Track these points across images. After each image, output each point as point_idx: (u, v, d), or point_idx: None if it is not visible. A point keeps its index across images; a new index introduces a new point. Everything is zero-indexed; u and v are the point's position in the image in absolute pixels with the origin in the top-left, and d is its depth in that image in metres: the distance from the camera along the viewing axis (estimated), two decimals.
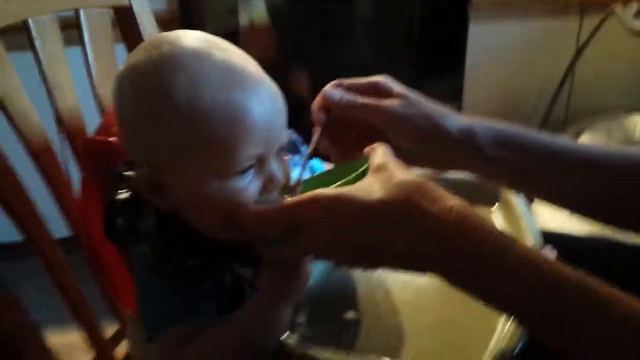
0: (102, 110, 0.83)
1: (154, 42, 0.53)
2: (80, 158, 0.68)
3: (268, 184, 0.55)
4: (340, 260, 0.51)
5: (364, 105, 0.63)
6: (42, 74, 0.75)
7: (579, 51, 1.95)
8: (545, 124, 2.02)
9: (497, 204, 0.84)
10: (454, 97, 2.06)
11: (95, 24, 0.83)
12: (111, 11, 0.87)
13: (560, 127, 2.06)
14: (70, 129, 0.76)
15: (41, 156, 0.71)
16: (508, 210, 0.81)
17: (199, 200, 0.54)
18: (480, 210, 0.84)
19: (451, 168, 0.68)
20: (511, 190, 0.79)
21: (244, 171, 0.53)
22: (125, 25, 0.89)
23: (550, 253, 0.76)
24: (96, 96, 0.82)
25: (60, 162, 0.73)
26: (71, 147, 0.76)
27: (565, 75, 1.97)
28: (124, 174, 0.60)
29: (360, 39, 2.03)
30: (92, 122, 0.81)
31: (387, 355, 0.60)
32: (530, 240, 0.72)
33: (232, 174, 0.52)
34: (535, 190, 0.67)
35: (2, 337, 0.62)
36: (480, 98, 2.07)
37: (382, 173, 0.51)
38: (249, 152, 0.52)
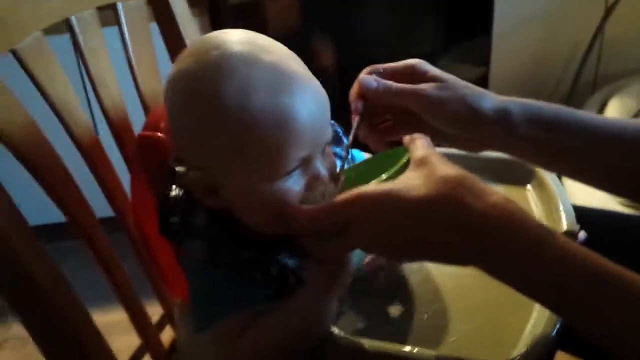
0: (143, 102, 0.85)
1: (202, 46, 0.55)
2: (133, 154, 0.71)
3: (313, 181, 0.58)
4: (387, 254, 0.54)
5: (399, 91, 0.64)
6: (87, 71, 0.77)
7: (608, 11, 1.91)
8: (574, 88, 2.00)
9: (531, 182, 0.86)
10: (481, 63, 2.04)
11: (133, 16, 0.85)
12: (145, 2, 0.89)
13: (590, 90, 2.04)
14: (116, 125, 0.79)
15: (88, 150, 0.74)
16: (542, 189, 0.82)
17: (248, 200, 0.57)
18: (514, 189, 0.86)
19: (486, 148, 0.69)
20: (544, 169, 0.80)
21: (291, 172, 0.55)
22: (163, 15, 0.91)
23: (582, 235, 0.78)
24: (138, 89, 0.85)
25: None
26: (117, 142, 0.79)
27: (595, 37, 1.94)
28: (175, 170, 0.63)
29: (386, 6, 2.01)
30: (133, 114, 0.84)
31: (431, 339, 0.63)
32: (563, 219, 0.74)
33: (280, 175, 0.55)
34: (567, 168, 0.68)
35: (59, 320, 0.66)
36: (508, 64, 2.05)
37: (424, 167, 0.52)
38: (296, 154, 0.55)
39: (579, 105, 1.98)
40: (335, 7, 1.95)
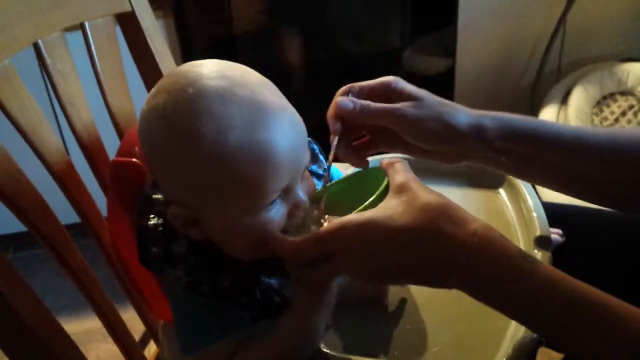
0: (115, 122, 0.84)
1: (175, 82, 0.55)
2: (108, 179, 0.70)
3: (294, 209, 0.59)
4: (371, 279, 0.55)
5: (377, 111, 0.65)
6: (56, 94, 0.76)
7: (570, 1, 1.94)
8: (539, 76, 2.04)
9: (502, 186, 0.88)
10: (448, 54, 2.06)
11: (101, 34, 0.84)
12: (114, 19, 0.88)
13: (554, 78, 2.08)
14: (89, 147, 0.78)
15: (64, 177, 0.74)
16: (513, 192, 0.85)
17: (230, 232, 0.57)
18: (486, 193, 0.88)
19: (462, 161, 0.71)
20: (527, 182, 0.82)
21: (272, 203, 0.56)
22: (130, 30, 0.90)
23: (558, 238, 0.80)
24: (109, 108, 0.84)
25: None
26: (90, 165, 0.79)
27: (557, 27, 1.97)
28: (153, 197, 0.63)
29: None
30: (106, 134, 0.83)
31: (415, 349, 0.64)
32: (537, 224, 0.76)
33: (260, 208, 0.56)
34: (542, 180, 0.69)
35: (30, 334, 0.64)
36: (474, 54, 2.08)
37: (405, 194, 0.53)
38: (277, 186, 0.55)
39: (544, 93, 2.02)
40: (302, 1, 1.95)
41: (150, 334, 0.93)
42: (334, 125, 0.66)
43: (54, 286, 1.50)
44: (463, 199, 0.87)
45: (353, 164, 0.70)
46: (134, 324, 0.92)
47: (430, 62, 2.08)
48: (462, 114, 0.65)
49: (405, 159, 0.64)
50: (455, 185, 0.90)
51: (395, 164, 0.59)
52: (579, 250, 0.81)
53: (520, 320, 0.52)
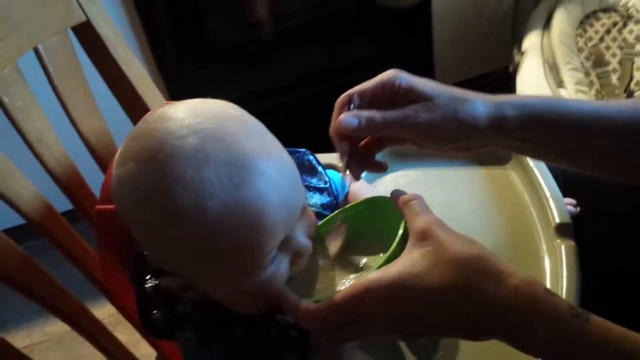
0: (91, 148, 0.78)
1: (142, 147, 0.48)
2: (96, 232, 0.64)
3: (296, 257, 0.54)
4: (402, 339, 0.51)
5: (385, 122, 0.58)
6: (21, 133, 0.69)
7: None
8: (517, 1, 1.95)
9: (510, 162, 0.83)
10: None
11: (58, 56, 0.76)
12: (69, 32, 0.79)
13: (533, 3, 1.99)
14: (67, 184, 0.72)
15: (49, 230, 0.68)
16: (523, 169, 0.80)
17: (231, 296, 0.53)
18: (494, 171, 0.83)
19: (479, 152, 0.65)
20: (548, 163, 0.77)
21: (270, 261, 0.51)
22: (88, 42, 0.82)
23: (571, 207, 0.76)
24: (82, 136, 0.77)
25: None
26: (73, 203, 0.73)
27: None
28: (144, 254, 0.58)
29: None
30: (82, 162, 0.77)
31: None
32: (555, 211, 0.72)
33: (258, 268, 0.50)
34: (570, 161, 0.65)
35: None
36: None
37: (429, 243, 0.48)
38: (272, 245, 0.50)
39: (525, 18, 1.94)
40: None
41: None
42: (340, 146, 0.60)
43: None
44: (470, 178, 0.83)
45: (370, 171, 0.65)
46: None
47: None
48: (479, 105, 0.59)
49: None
50: (459, 165, 0.85)
51: (411, 204, 0.53)
52: (594, 220, 0.77)
53: None
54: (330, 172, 0.71)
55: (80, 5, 0.79)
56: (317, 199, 0.67)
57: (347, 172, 0.62)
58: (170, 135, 0.47)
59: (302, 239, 0.54)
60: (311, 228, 0.56)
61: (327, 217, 0.61)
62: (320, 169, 0.68)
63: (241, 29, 1.94)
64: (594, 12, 1.85)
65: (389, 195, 0.57)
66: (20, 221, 0.67)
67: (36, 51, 0.73)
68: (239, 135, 0.48)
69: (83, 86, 0.79)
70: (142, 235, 0.50)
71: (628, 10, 1.79)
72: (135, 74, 0.86)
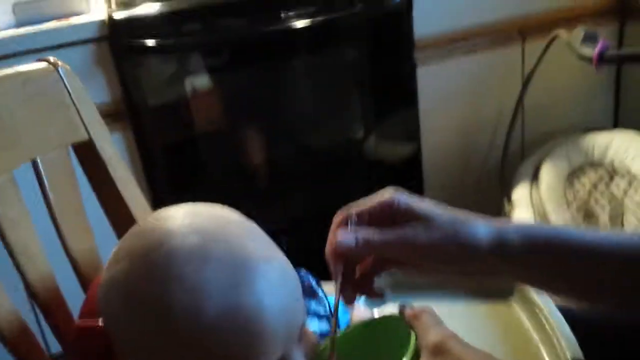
0: (76, 268, 0.74)
1: (138, 245, 0.45)
2: (70, 348, 0.59)
3: None
4: None
5: (383, 243, 0.56)
6: (6, 244, 0.66)
7: (526, 81, 1.95)
8: (505, 156, 2.02)
9: (513, 297, 0.80)
10: (411, 138, 2.04)
11: (56, 169, 0.75)
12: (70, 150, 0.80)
13: (520, 157, 2.07)
14: (46, 302, 0.67)
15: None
16: (528, 303, 0.77)
17: None
18: (499, 304, 0.80)
19: (481, 279, 0.63)
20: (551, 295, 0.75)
21: None
22: (88, 161, 0.81)
23: None
24: (69, 253, 0.74)
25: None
26: (49, 323, 0.68)
27: (517, 107, 1.98)
28: None
29: (311, 93, 2.00)
30: (67, 285, 0.73)
31: None
32: (565, 349, 0.68)
33: None
34: (575, 293, 0.61)
35: None
36: (437, 138, 2.06)
37: (445, 357, 0.45)
38: (269, 358, 0.46)
39: (513, 170, 2.00)
40: (261, 100, 1.91)
41: None
42: (335, 266, 0.57)
43: None
44: (473, 311, 0.79)
45: (368, 297, 0.61)
46: None
47: (395, 149, 2.05)
48: (480, 228, 0.57)
49: None
50: (461, 298, 0.81)
51: (422, 317, 0.50)
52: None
53: None
54: (332, 298, 0.68)
55: (84, 124, 0.80)
56: (315, 326, 0.63)
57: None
58: (170, 235, 0.45)
59: (301, 358, 0.49)
60: (310, 348, 0.52)
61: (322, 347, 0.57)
62: (320, 292, 0.65)
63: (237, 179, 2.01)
64: (581, 167, 1.90)
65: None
66: None
67: (34, 163, 0.72)
68: (241, 237, 0.47)
69: (77, 203, 0.78)
70: (128, 344, 0.46)
71: (613, 165, 1.84)
72: (131, 196, 0.85)
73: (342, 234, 0.56)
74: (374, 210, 0.59)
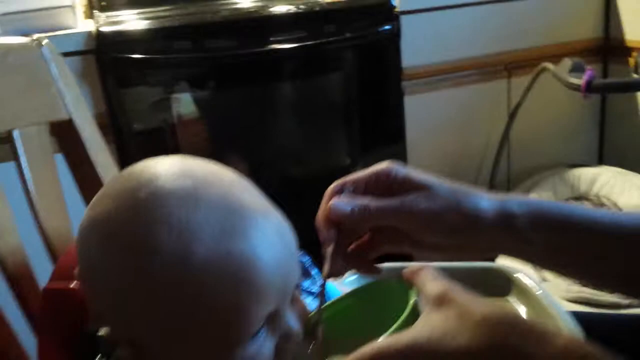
0: (49, 245, 0.70)
1: (124, 185, 0.42)
2: (39, 312, 0.55)
3: (284, 341, 0.46)
4: None
5: (380, 212, 0.52)
6: None
7: (511, 115, 1.97)
8: (491, 188, 2.02)
9: (512, 290, 0.77)
10: None
11: (34, 146, 0.71)
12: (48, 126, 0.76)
13: (505, 190, 2.06)
14: (14, 275, 0.63)
15: None
16: (525, 296, 0.74)
17: None
18: (497, 301, 0.76)
19: (485, 255, 0.60)
20: (556, 274, 0.72)
21: (255, 334, 0.43)
22: (66, 141, 0.78)
23: None
24: (42, 229, 0.69)
25: None
26: (16, 296, 0.63)
27: (503, 140, 1.99)
28: (97, 335, 0.48)
29: (297, 121, 1.98)
30: (37, 260, 0.68)
31: None
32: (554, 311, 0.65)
33: (241, 341, 0.42)
34: (583, 272, 0.59)
35: None
36: (424, 168, 2.03)
37: (449, 307, 0.41)
38: (260, 312, 0.42)
39: None
40: (246, 126, 1.89)
41: None
42: (327, 232, 0.53)
43: None
44: None
45: (362, 273, 0.58)
46: None
47: None
48: (484, 200, 0.54)
49: None
50: None
51: (421, 273, 0.47)
52: None
53: None
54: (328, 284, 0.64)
55: (65, 104, 0.77)
56: (308, 304, 0.59)
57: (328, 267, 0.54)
58: (158, 176, 0.42)
59: (293, 321, 0.46)
60: (302, 314, 0.49)
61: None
62: (315, 272, 0.61)
63: None
64: (567, 200, 1.90)
65: None
66: None
67: (10, 135, 0.69)
68: (236, 187, 0.44)
69: (54, 182, 0.74)
70: (102, 292, 0.42)
71: (600, 199, 1.84)
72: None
73: (337, 200, 0.53)
74: (370, 180, 0.56)
